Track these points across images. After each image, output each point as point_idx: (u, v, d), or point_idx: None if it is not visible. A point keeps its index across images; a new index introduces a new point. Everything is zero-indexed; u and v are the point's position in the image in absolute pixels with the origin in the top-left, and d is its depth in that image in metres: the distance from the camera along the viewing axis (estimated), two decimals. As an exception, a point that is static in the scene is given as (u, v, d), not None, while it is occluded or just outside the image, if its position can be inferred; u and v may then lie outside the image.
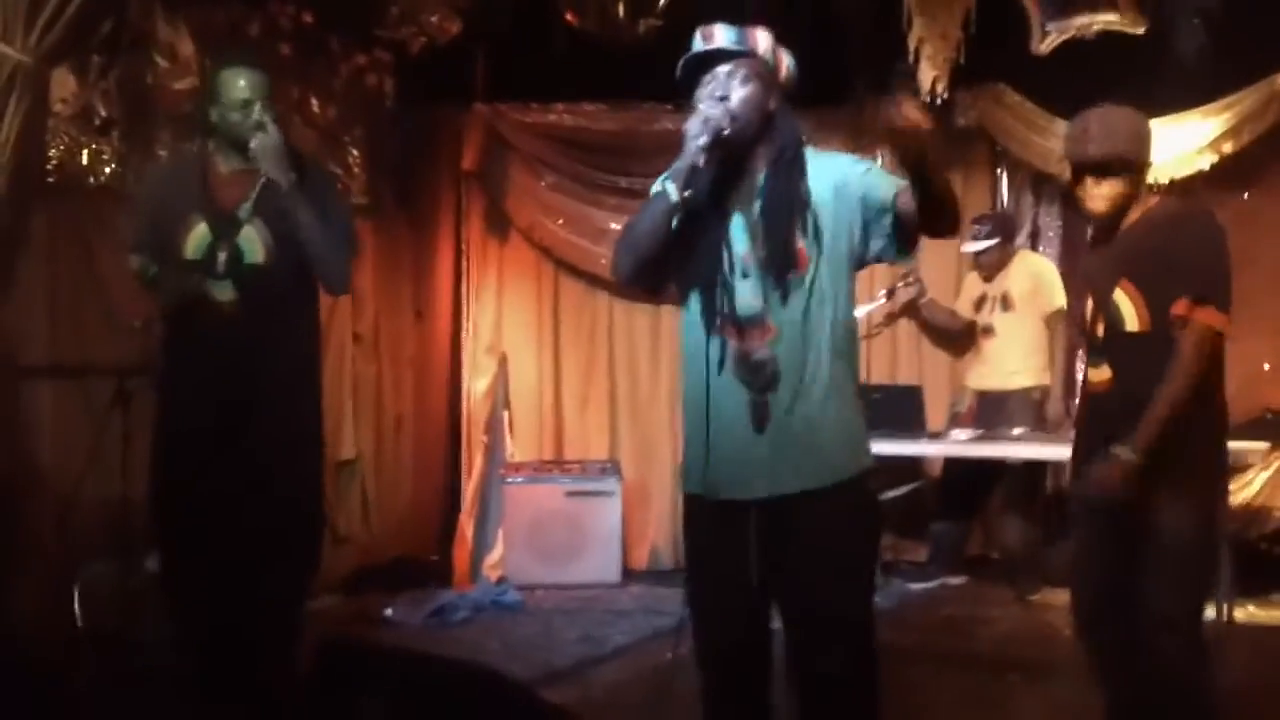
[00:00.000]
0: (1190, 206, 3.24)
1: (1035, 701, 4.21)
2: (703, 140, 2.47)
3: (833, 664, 2.60)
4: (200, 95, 4.48)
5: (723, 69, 2.55)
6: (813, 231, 2.56)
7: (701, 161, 2.49)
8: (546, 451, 6.90)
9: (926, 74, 5.51)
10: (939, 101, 5.74)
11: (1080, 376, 3.53)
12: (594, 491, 6.38)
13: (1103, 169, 3.03)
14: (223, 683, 3.56)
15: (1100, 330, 3.14)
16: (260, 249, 3.52)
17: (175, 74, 5.28)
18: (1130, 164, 3.07)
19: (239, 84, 3.54)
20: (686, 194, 2.51)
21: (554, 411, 6.97)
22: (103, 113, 5.02)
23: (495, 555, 6.52)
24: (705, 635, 2.70)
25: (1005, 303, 6.04)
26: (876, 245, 2.60)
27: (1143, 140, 3.10)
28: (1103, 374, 3.15)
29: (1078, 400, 3.44)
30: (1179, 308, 3.02)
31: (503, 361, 6.91)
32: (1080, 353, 3.45)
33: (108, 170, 5.06)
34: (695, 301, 2.63)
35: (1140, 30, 5.43)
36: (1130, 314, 3.07)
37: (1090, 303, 3.20)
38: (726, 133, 2.49)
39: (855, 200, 2.56)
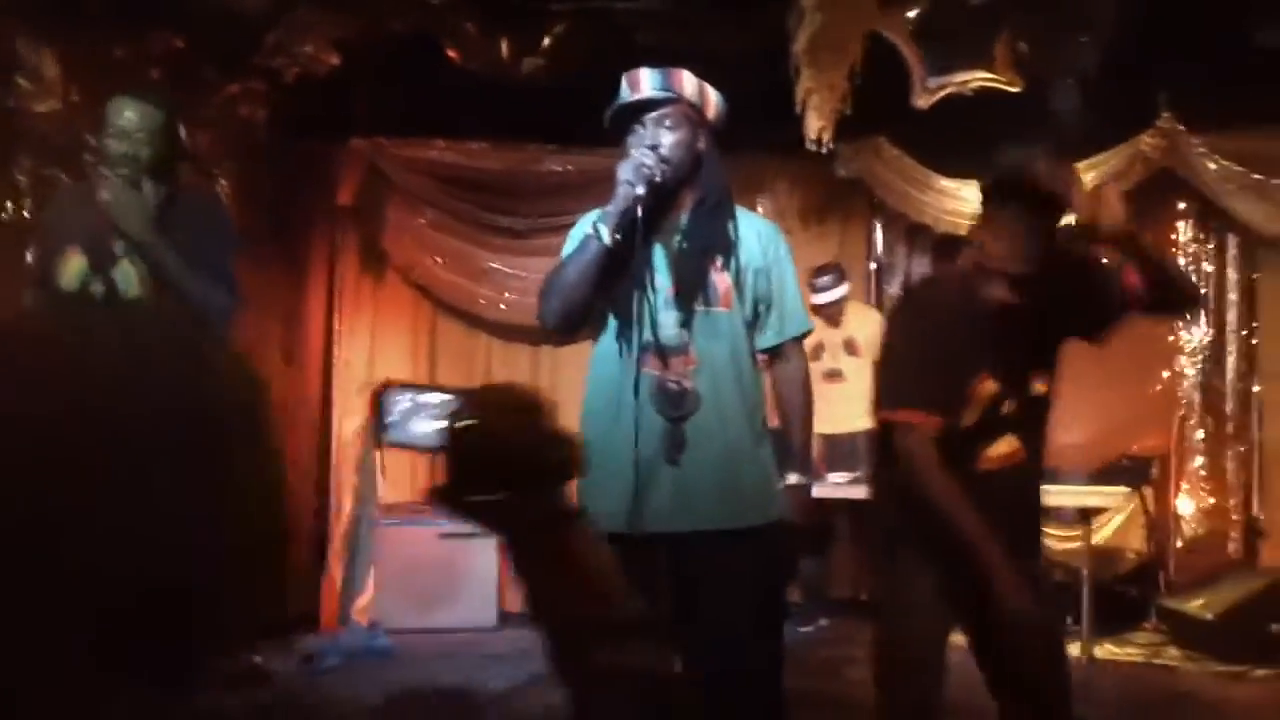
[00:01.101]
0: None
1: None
2: (639, 190, 2.49)
3: (745, 700, 2.58)
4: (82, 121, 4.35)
5: (651, 116, 2.57)
6: (735, 271, 2.58)
7: (636, 207, 2.48)
8: (421, 492, 6.77)
9: (813, 124, 5.59)
10: (825, 151, 5.83)
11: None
12: (469, 533, 6.24)
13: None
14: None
15: (1009, 410, 2.77)
16: (136, 284, 3.38)
17: (38, 96, 5.10)
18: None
19: (125, 114, 3.44)
20: (619, 238, 2.49)
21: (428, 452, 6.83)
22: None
23: (365, 598, 6.35)
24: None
25: (850, 348, 6.21)
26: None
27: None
28: (1009, 445, 2.79)
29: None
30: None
31: (374, 400, 6.75)
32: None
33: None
34: (612, 333, 2.61)
35: (1016, 89, 5.59)
36: (1041, 394, 2.82)
37: (994, 387, 2.76)
38: (657, 179, 2.49)
39: (769, 272, 2.64)
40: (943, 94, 5.69)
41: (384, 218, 6.70)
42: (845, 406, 6.15)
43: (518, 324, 6.77)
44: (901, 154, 6.59)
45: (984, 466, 2.77)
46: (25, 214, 5.12)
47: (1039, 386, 2.81)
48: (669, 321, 2.56)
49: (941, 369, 2.74)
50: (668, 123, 2.56)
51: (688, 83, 2.62)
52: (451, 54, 6.15)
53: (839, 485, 5.82)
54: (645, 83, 2.59)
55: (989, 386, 2.74)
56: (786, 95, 5.65)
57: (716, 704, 2.54)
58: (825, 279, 6.14)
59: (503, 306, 6.78)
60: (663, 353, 2.55)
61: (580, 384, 6.59)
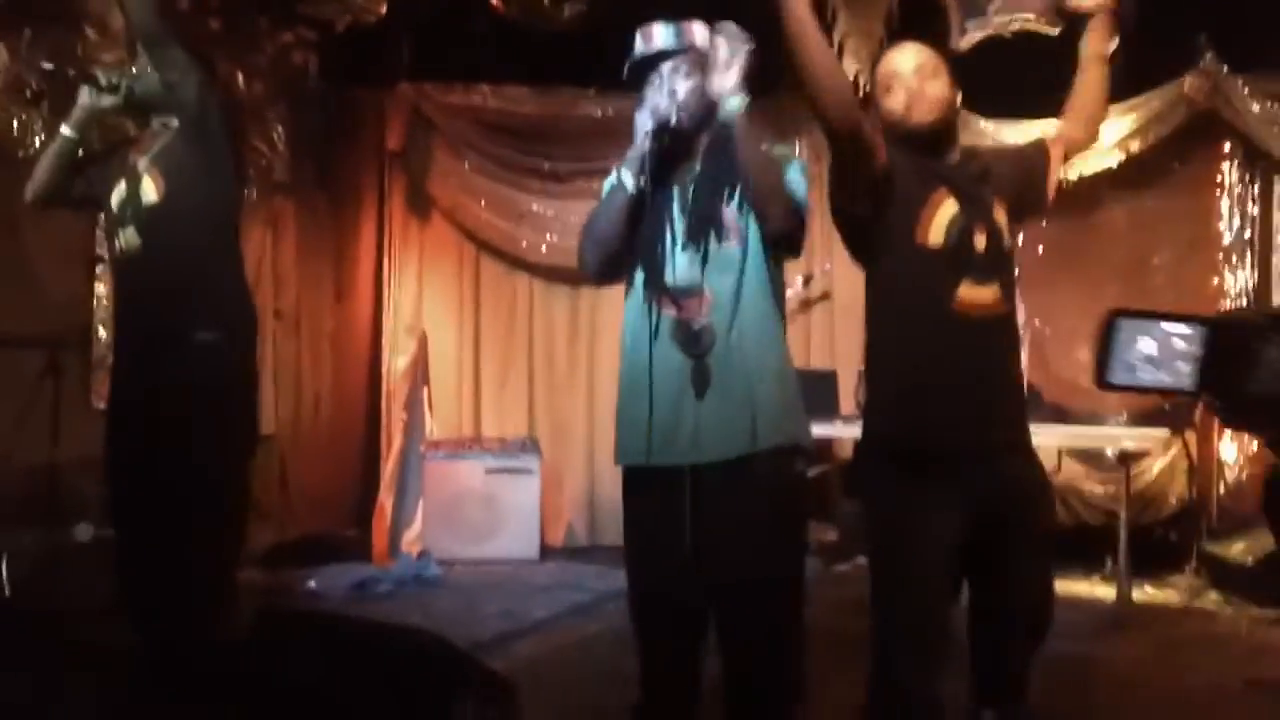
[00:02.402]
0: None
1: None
2: (650, 127, 2.61)
3: (758, 630, 2.67)
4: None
5: (665, 66, 2.68)
6: (742, 206, 2.67)
7: (650, 150, 2.62)
8: (466, 428, 6.97)
9: (849, 68, 5.63)
10: (861, 95, 5.86)
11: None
12: (513, 469, 6.46)
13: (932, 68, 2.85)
14: (155, 653, 3.56)
15: (981, 244, 2.68)
16: (154, 191, 3.52)
17: (104, 46, 5.26)
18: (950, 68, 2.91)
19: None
20: (643, 181, 2.63)
21: (473, 390, 7.04)
22: (33, 84, 4.99)
23: (414, 531, 6.57)
24: (642, 600, 2.78)
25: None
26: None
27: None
28: (991, 294, 2.69)
29: (913, 320, 2.72)
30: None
31: (423, 340, 6.96)
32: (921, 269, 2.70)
33: (38, 141, 5.00)
34: (638, 277, 2.73)
35: (1055, 31, 5.59)
36: (1006, 232, 2.74)
37: (954, 207, 2.67)
38: (673, 122, 2.63)
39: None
40: (980, 36, 5.71)
41: (429, 162, 6.84)
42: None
43: (558, 265, 6.91)
44: (939, 96, 6.58)
45: (965, 310, 2.65)
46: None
47: (1005, 236, 2.73)
48: (684, 262, 2.66)
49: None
50: (683, 71, 2.67)
51: (698, 32, 2.71)
52: (494, 1, 6.26)
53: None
54: (658, 35, 2.69)
55: (947, 204, 2.68)
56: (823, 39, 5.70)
57: (735, 628, 2.69)
58: None
59: (543, 249, 6.91)
60: (679, 293, 2.66)
61: (615, 324, 6.74)
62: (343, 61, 6.36)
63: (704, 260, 2.65)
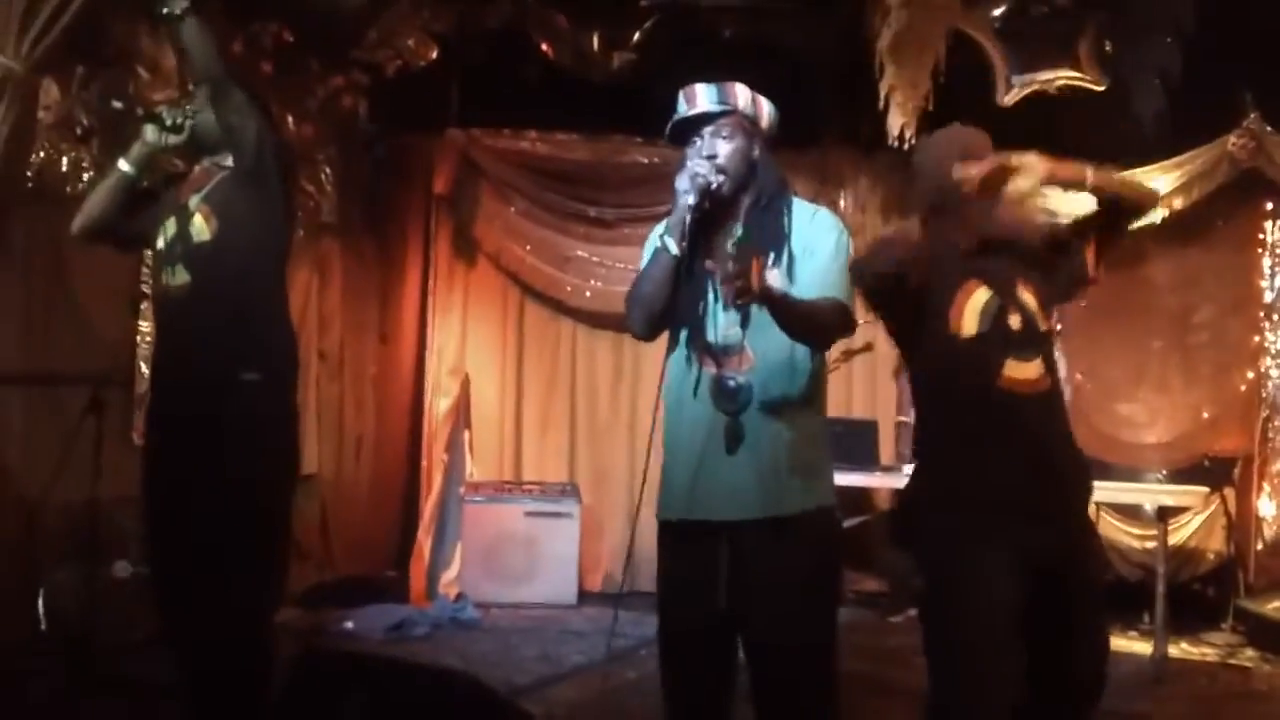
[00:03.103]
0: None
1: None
2: (692, 199, 2.63)
3: (795, 691, 2.69)
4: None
5: (708, 129, 2.71)
6: (788, 262, 2.69)
7: (691, 216, 2.64)
8: (506, 472, 6.99)
9: (895, 120, 5.68)
10: (906, 147, 5.92)
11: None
12: (553, 513, 6.47)
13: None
14: (197, 691, 3.56)
15: (1016, 324, 2.82)
16: (207, 230, 3.48)
17: (156, 86, 5.34)
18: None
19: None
20: (684, 246, 2.65)
21: (514, 433, 7.07)
22: (84, 122, 5.07)
23: (452, 573, 6.58)
24: (673, 657, 2.78)
25: None
26: None
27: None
28: (1037, 369, 2.83)
29: (959, 411, 2.88)
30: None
31: (465, 383, 6.99)
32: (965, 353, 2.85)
33: (86, 179, 5.07)
34: (681, 335, 2.76)
35: (1101, 87, 5.62)
36: (1038, 312, 2.86)
37: (987, 294, 2.83)
38: (714, 187, 2.66)
39: (814, 251, 2.71)
40: (1026, 91, 5.74)
41: (475, 206, 6.89)
42: None
43: (602, 310, 6.94)
44: (984, 150, 6.60)
45: (1009, 388, 2.78)
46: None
47: (1040, 314, 2.85)
48: (725, 321, 2.69)
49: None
50: (724, 133, 2.69)
51: (741, 95, 2.74)
52: (544, 48, 6.34)
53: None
54: (701, 97, 2.71)
55: (980, 292, 2.82)
56: (869, 90, 5.75)
57: (769, 689, 2.71)
58: None
59: (588, 294, 6.94)
60: (720, 351, 2.69)
61: (657, 372, 6.76)
62: (392, 106, 6.45)
63: (745, 320, 2.67)
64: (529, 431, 7.10)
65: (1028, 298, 2.85)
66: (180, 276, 3.47)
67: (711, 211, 2.70)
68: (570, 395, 7.14)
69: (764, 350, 2.67)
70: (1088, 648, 2.85)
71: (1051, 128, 6.00)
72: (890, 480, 6.11)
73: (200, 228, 3.47)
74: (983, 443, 2.82)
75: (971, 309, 2.82)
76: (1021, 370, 2.80)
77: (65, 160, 5.06)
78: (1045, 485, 2.79)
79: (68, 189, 5.04)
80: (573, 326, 7.12)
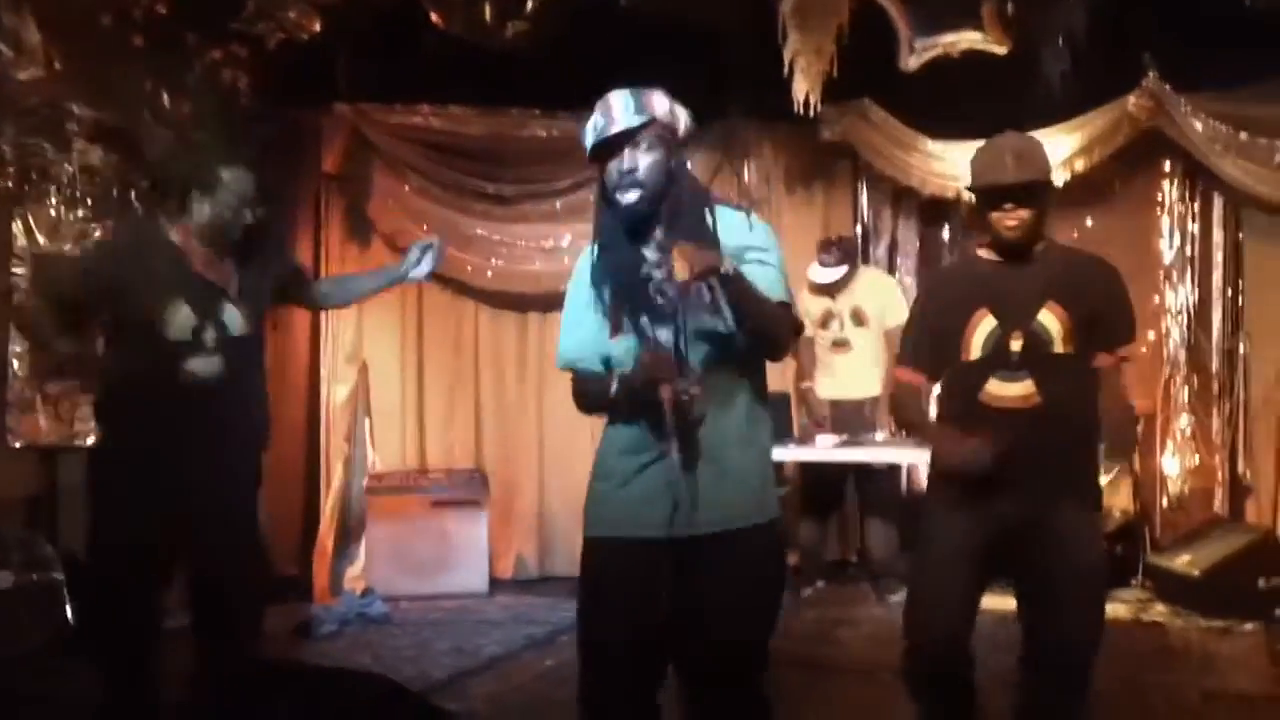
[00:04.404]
0: (1094, 253, 3.38)
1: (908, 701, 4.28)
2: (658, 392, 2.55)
3: (732, 706, 2.69)
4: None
5: (628, 143, 2.62)
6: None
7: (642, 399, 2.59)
8: (410, 461, 6.78)
9: (800, 87, 5.58)
10: (812, 114, 5.83)
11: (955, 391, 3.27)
12: (460, 501, 6.30)
13: (1021, 194, 3.07)
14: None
15: (1017, 346, 3.10)
16: (240, 325, 3.63)
17: (20, 64, 5.05)
18: (1046, 189, 3.17)
19: (242, 183, 3.63)
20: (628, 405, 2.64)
21: (417, 421, 6.87)
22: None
23: (357, 567, 6.37)
24: (600, 672, 2.69)
25: (858, 318, 6.22)
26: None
27: (1049, 166, 3.21)
28: (1024, 389, 3.10)
29: (951, 420, 3.25)
30: (1123, 351, 3.20)
31: (364, 370, 6.76)
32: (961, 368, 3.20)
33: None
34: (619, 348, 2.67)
35: (1003, 50, 5.58)
36: (1058, 336, 3.08)
37: (993, 322, 3.13)
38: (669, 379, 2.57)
39: (742, 259, 2.63)
40: (930, 56, 5.68)
41: (369, 184, 6.66)
42: (850, 375, 6.27)
43: (504, 290, 6.78)
44: (888, 116, 6.57)
45: (990, 404, 3.11)
46: (9, 183, 5.08)
47: (1054, 337, 3.08)
48: (664, 336, 2.60)
49: (933, 325, 3.25)
50: (643, 145, 2.61)
51: (659, 104, 2.65)
52: (435, 18, 6.10)
53: (839, 448, 5.89)
54: (618, 111, 2.61)
55: (986, 322, 3.13)
56: (771, 61, 5.65)
57: (711, 694, 2.69)
58: (826, 257, 6.17)
59: (489, 274, 6.76)
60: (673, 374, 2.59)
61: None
62: (277, 81, 6.15)
63: (685, 336, 2.60)
64: (432, 418, 6.90)
65: (1051, 321, 3.09)
66: (213, 367, 3.56)
67: (633, 227, 2.66)
68: (474, 378, 6.95)
69: (703, 360, 2.61)
70: (1068, 621, 3.10)
71: (954, 93, 5.99)
72: (800, 453, 6.04)
73: (234, 321, 3.63)
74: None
75: (977, 338, 3.15)
76: (1004, 389, 3.11)
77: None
78: (1016, 490, 3.07)
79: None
80: (475, 307, 6.93)
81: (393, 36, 6.09)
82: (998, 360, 3.11)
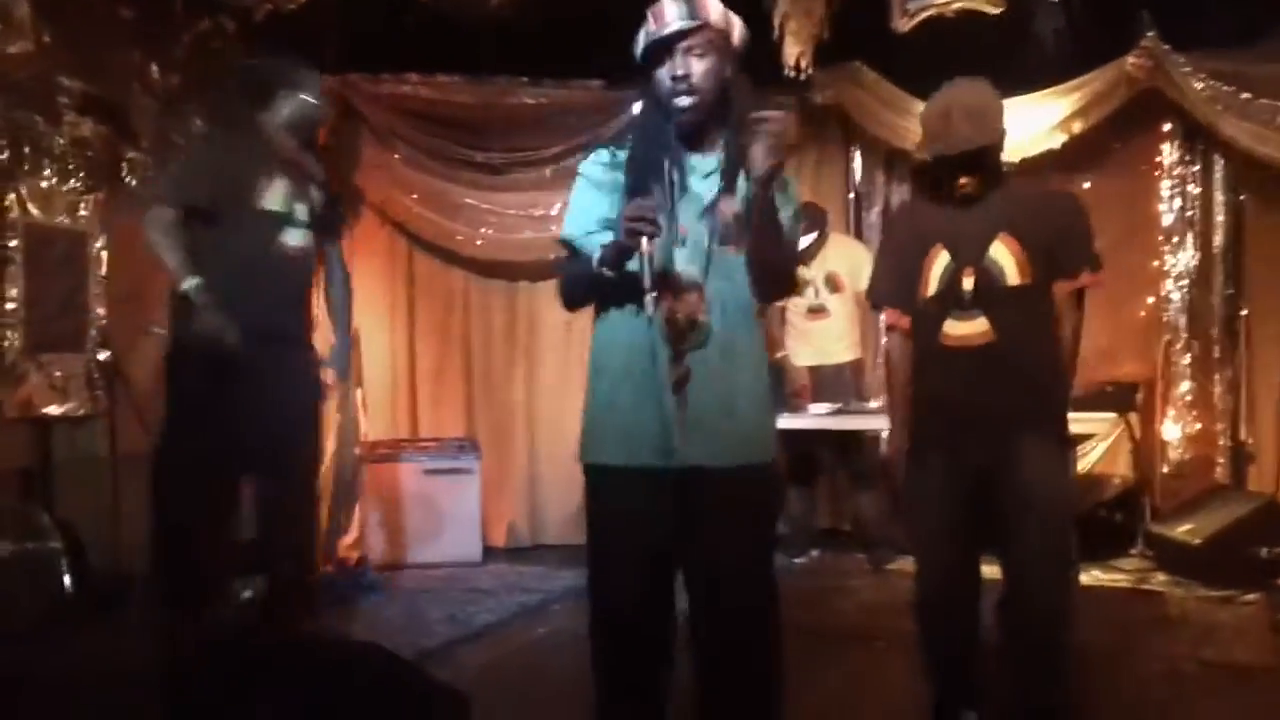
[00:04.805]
0: (1051, 183, 3.44)
1: (906, 667, 4.27)
2: (633, 244, 2.47)
3: (741, 638, 2.64)
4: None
5: (680, 45, 2.53)
6: (745, 212, 2.58)
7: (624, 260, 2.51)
8: (401, 430, 6.76)
9: (791, 50, 5.52)
10: (803, 78, 5.76)
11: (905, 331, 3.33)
12: (452, 469, 6.28)
13: (972, 162, 3.07)
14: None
15: (969, 285, 3.11)
16: (321, 204, 4.37)
17: (9, 37, 5.02)
18: (997, 149, 3.16)
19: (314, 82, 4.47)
20: (611, 273, 2.53)
21: (408, 389, 6.86)
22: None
23: (351, 537, 6.34)
24: (608, 603, 2.66)
25: (833, 284, 6.18)
26: None
27: (1001, 120, 3.16)
28: (977, 326, 3.11)
29: (916, 362, 3.31)
30: (1082, 278, 3.16)
31: (355, 339, 6.72)
32: (917, 309, 3.27)
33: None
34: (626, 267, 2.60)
35: (997, 10, 5.51)
36: (1011, 269, 3.09)
37: (947, 257, 3.16)
38: (688, 110, 2.53)
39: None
40: (922, 17, 5.61)
41: (357, 154, 6.60)
42: (828, 341, 6.23)
43: (494, 259, 6.75)
44: (880, 79, 6.49)
45: (947, 344, 3.15)
46: (1, 156, 5.05)
47: (1006, 270, 3.07)
48: (683, 257, 2.56)
49: (896, 260, 3.30)
50: (697, 50, 2.52)
51: (712, 7, 2.56)
52: (421, -13, 6.05)
53: (823, 416, 5.85)
54: (669, 12, 2.53)
55: (941, 257, 3.15)
56: (760, 23, 5.58)
57: (715, 636, 2.65)
58: None
59: (479, 243, 6.71)
60: (676, 288, 2.55)
61: (556, 320, 6.56)
62: (265, 52, 6.09)
63: (707, 259, 2.55)
64: (423, 387, 6.89)
65: (1003, 254, 3.09)
66: (298, 239, 4.25)
67: (684, 134, 2.59)
68: (465, 347, 6.92)
69: (721, 291, 2.56)
70: (1035, 559, 3.11)
71: (947, 54, 5.92)
72: (794, 421, 6.01)
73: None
74: (930, 389, 3.22)
75: (934, 274, 3.16)
76: (959, 328, 3.13)
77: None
78: (978, 427, 3.12)
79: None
80: (464, 277, 6.89)
81: (379, 6, 6.04)
82: (951, 298, 3.13)
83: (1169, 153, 6.54)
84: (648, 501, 2.56)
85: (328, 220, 4.44)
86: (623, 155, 2.65)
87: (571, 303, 2.71)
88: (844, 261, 6.16)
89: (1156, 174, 6.56)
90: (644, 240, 2.41)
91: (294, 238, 4.23)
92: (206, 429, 3.97)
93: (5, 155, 5.08)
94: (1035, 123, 6.12)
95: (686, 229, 2.57)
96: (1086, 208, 3.26)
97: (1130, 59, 6.09)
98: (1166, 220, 6.56)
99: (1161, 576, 5.70)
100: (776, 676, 2.69)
